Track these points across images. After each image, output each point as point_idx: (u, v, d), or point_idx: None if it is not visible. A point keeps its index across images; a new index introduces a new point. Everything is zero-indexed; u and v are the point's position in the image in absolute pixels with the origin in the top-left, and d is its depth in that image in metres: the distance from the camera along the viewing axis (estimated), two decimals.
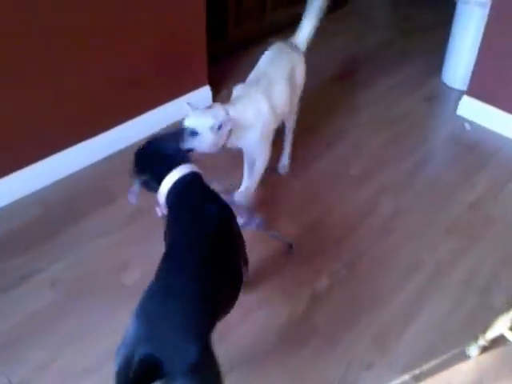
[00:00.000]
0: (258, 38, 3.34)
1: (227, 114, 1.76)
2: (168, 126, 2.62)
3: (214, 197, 1.41)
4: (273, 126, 1.99)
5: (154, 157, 1.43)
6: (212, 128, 1.71)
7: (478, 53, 2.66)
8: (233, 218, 1.45)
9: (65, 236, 2.07)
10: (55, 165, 2.29)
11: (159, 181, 1.39)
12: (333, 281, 1.93)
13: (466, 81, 2.82)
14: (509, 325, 1.58)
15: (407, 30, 3.79)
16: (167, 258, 1.26)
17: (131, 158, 1.49)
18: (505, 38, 2.54)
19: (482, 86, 2.71)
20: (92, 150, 2.40)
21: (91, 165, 2.42)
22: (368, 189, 2.36)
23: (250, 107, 1.88)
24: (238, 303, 1.35)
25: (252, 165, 2.07)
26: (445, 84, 3.13)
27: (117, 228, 2.11)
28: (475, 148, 2.65)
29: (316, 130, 2.70)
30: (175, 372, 1.02)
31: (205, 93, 2.82)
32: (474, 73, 2.73)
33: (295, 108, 2.24)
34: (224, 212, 1.40)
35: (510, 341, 1.60)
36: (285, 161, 2.43)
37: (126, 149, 2.51)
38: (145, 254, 2.00)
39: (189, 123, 1.72)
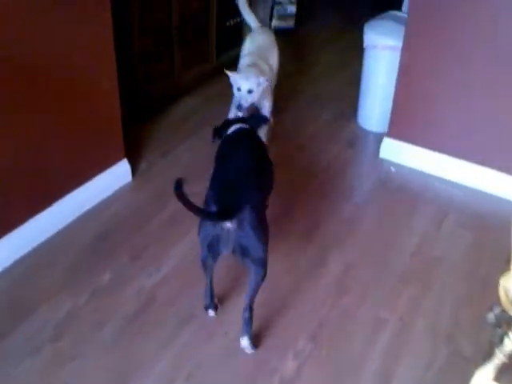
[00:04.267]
0: (171, 98, 3.24)
1: (263, 77, 2.56)
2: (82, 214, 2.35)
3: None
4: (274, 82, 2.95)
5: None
6: (259, 85, 2.52)
7: (395, 95, 2.69)
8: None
9: None
10: None
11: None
12: (300, 360, 1.79)
13: (383, 124, 2.85)
14: (492, 375, 1.53)
15: (316, 75, 3.78)
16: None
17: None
18: (419, 79, 2.60)
19: (402, 127, 2.74)
20: None
21: (1, 272, 2.06)
22: (313, 247, 2.27)
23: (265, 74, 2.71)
24: None
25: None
26: (362, 128, 3.16)
27: (45, 343, 1.80)
28: (404, 190, 2.66)
29: None
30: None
31: (123, 167, 2.61)
32: (392, 114, 2.74)
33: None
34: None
35: None
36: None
37: (38, 247, 2.16)
38: (82, 371, 1.72)
39: (246, 86, 2.49)
